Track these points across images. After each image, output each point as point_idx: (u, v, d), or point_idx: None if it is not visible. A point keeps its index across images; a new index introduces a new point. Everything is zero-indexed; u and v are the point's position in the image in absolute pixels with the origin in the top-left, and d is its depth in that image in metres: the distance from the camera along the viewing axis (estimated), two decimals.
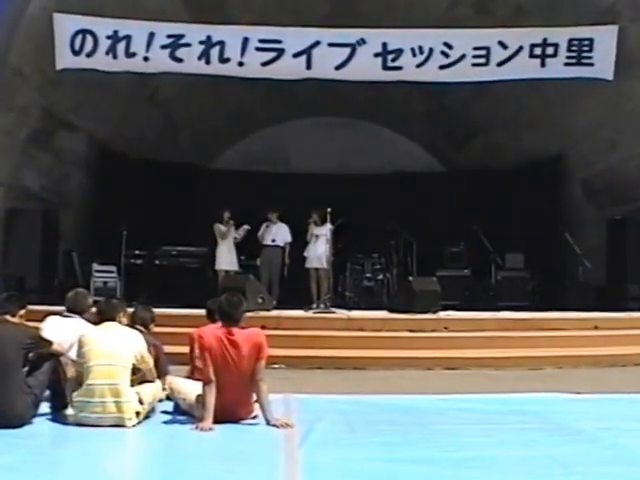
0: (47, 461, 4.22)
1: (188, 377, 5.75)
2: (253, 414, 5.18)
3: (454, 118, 15.20)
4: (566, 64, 10.49)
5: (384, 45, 10.40)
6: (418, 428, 5.15)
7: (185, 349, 6.06)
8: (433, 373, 8.17)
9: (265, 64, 10.43)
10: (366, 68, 10.54)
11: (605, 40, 10.44)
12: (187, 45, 10.38)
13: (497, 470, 4.09)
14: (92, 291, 11.07)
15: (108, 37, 10.28)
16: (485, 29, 10.83)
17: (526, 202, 14.14)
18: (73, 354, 5.43)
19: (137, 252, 12.89)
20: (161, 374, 5.60)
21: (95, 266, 12.18)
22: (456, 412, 5.73)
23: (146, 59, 10.37)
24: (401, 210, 14.34)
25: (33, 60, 10.90)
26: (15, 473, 3.89)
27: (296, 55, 10.42)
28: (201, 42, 10.36)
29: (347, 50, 10.42)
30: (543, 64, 10.51)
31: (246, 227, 12.08)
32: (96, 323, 5.42)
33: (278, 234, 12.07)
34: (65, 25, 10.26)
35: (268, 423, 5.01)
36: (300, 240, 11.98)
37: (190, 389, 5.33)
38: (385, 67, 10.50)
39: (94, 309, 5.83)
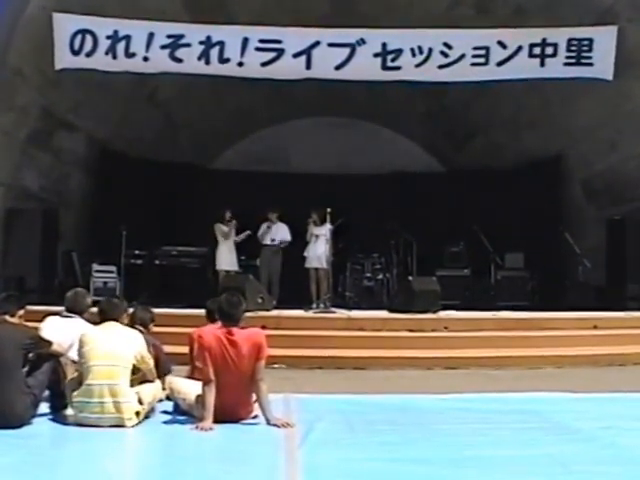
0: (47, 461, 4.22)
1: (188, 377, 5.76)
2: (253, 414, 5.18)
3: (454, 118, 15.20)
4: (565, 64, 10.50)
5: (383, 45, 10.41)
6: (418, 428, 5.16)
7: (185, 349, 6.07)
8: (433, 373, 8.17)
9: (265, 64, 10.44)
10: (366, 68, 10.55)
11: (604, 40, 10.45)
12: (187, 45, 10.39)
13: (496, 469, 4.10)
14: (92, 291, 11.08)
15: (108, 37, 10.28)
16: (484, 29, 10.84)
17: (526, 202, 14.13)
18: (72, 354, 5.44)
19: (137, 252, 12.87)
20: (161, 374, 5.60)
21: (95, 266, 12.18)
22: (456, 412, 5.73)
23: (146, 59, 10.37)
24: (401, 210, 14.36)
25: (33, 60, 10.90)
26: (15, 473, 3.89)
27: (296, 55, 10.43)
28: (201, 42, 10.37)
29: (347, 50, 10.43)
30: (542, 64, 10.53)
31: (248, 233, 12.09)
32: (97, 323, 5.42)
33: (278, 234, 12.08)
34: (64, 25, 10.26)
35: (268, 423, 5.02)
36: (300, 240, 11.99)
37: (190, 389, 5.33)
38: (384, 67, 10.51)
39: (94, 309, 5.83)
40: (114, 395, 4.90)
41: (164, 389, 5.61)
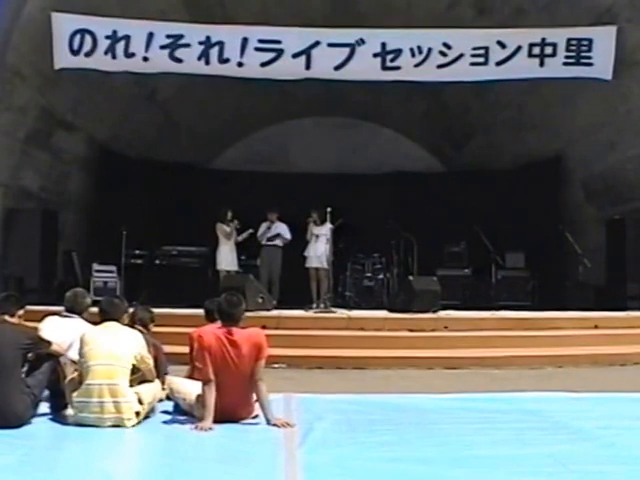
0: (46, 461, 4.21)
1: (188, 377, 5.75)
2: (254, 414, 5.18)
3: (454, 118, 15.20)
4: (565, 64, 10.52)
5: (383, 45, 10.43)
6: (418, 427, 5.15)
7: (185, 349, 6.07)
8: (433, 372, 8.18)
9: (264, 64, 10.45)
10: (365, 68, 10.57)
11: (604, 40, 10.46)
12: (186, 45, 10.40)
13: (496, 469, 4.09)
14: (92, 291, 11.10)
15: (107, 37, 10.30)
16: (484, 29, 10.85)
17: (526, 202, 14.13)
18: (72, 354, 5.43)
19: (137, 252, 12.89)
20: (161, 374, 5.60)
21: (95, 266, 12.18)
22: (456, 411, 5.73)
23: (145, 59, 10.39)
24: (401, 210, 14.36)
25: (32, 60, 10.89)
26: (14, 473, 3.88)
27: (295, 55, 10.44)
28: (200, 42, 10.38)
29: (346, 50, 10.45)
30: (542, 64, 10.54)
31: (250, 231, 12.09)
32: (97, 323, 5.42)
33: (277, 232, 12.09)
34: (63, 25, 10.27)
35: (268, 423, 5.01)
36: (300, 240, 11.98)
37: (190, 389, 5.32)
38: (384, 67, 10.53)
39: (94, 309, 5.83)
40: (114, 395, 4.90)
41: (164, 389, 5.60)
